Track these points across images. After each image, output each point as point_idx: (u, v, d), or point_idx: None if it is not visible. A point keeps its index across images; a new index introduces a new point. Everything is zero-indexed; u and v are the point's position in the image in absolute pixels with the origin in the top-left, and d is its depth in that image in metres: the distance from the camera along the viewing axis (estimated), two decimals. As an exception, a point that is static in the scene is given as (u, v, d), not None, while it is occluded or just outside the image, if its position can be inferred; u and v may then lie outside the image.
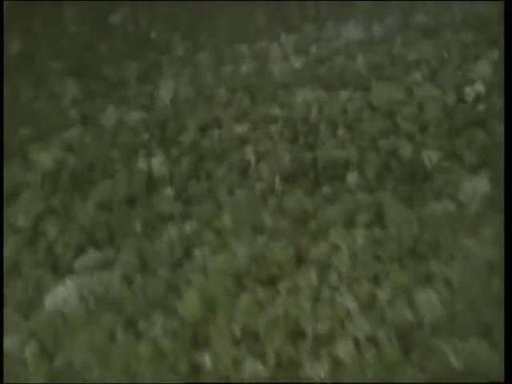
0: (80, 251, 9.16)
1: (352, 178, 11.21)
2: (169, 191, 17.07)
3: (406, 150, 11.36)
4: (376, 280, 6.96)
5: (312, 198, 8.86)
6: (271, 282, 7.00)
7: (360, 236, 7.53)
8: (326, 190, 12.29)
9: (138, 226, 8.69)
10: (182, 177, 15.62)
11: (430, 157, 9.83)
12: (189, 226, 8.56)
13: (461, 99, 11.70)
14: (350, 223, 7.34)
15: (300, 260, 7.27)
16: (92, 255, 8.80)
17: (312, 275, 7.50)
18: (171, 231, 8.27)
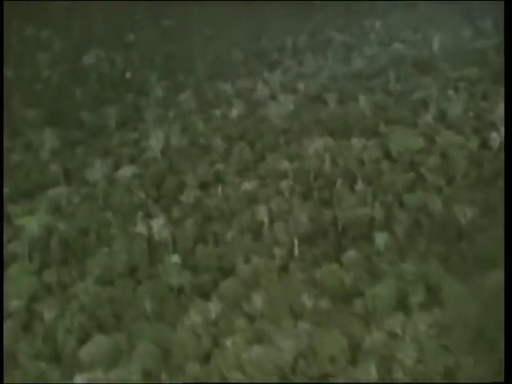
0: (84, 337, 8.47)
1: (380, 238, 10.31)
2: (174, 258, 17.27)
3: (436, 205, 10.67)
4: (448, 375, 6.12)
5: (349, 272, 8.18)
6: (324, 380, 6.18)
7: (421, 321, 6.76)
8: (351, 253, 11.42)
9: (147, 304, 7.92)
10: (188, 241, 15.55)
11: (464, 212, 9.24)
12: (213, 308, 7.87)
13: (484, 145, 11.11)
14: (403, 304, 6.61)
15: (355, 352, 6.47)
16: (100, 342, 8.08)
17: (372, 371, 6.67)
18: (193, 315, 7.57)
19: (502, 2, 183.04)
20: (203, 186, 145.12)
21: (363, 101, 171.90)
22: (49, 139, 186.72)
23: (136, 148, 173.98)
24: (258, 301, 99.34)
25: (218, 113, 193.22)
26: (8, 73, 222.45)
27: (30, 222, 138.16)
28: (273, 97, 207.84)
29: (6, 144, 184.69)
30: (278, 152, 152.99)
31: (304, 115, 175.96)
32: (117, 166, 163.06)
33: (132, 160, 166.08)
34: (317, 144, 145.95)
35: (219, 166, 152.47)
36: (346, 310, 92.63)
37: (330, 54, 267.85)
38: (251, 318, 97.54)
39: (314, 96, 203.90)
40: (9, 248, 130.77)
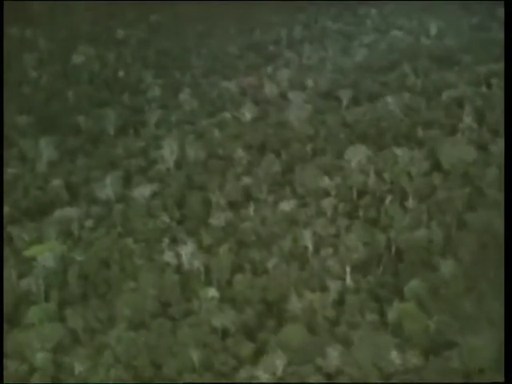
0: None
1: (446, 266, 48.34)
2: (211, 292, 71.53)
3: (502, 225, 33.58)
4: None
5: (427, 312, 36.77)
6: None
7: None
8: (415, 284, 57.63)
9: (193, 354, 28.56)
10: (223, 271, 67.15)
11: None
12: (279, 363, 24.33)
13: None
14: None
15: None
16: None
17: None
18: (249, 368, 28.35)
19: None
20: (232, 205, 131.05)
21: (391, 100, 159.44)
22: (45, 149, 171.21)
23: (145, 159, 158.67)
24: (332, 353, 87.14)
25: (227, 115, 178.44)
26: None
27: (41, 253, 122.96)
28: (282, 95, 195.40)
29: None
30: (309, 163, 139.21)
31: (327, 118, 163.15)
32: (127, 181, 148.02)
33: (142, 173, 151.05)
34: (356, 154, 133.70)
35: (247, 181, 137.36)
36: (439, 367, 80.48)
37: (328, 44, 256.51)
38: (328, 376, 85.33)
39: (326, 93, 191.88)
40: (21, 285, 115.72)
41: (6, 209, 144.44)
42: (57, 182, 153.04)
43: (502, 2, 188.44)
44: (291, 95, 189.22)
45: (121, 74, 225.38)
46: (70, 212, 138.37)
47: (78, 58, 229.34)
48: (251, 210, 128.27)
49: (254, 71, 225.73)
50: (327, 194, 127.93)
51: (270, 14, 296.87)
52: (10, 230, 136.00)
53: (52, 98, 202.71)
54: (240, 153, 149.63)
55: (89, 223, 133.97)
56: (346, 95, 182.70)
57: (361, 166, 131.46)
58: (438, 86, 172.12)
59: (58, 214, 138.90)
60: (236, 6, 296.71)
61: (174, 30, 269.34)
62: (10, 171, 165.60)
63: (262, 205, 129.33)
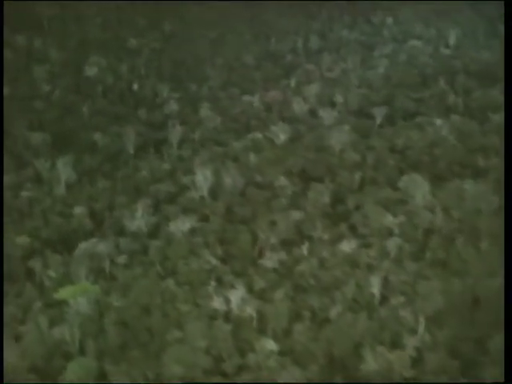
0: None
1: None
2: (269, 344, 61.82)
3: None
4: None
5: None
6: None
7: None
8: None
9: None
10: (280, 319, 56.41)
11: None
12: None
13: None
14: None
15: None
16: None
17: None
18: None
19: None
20: (284, 243, 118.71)
21: (441, 125, 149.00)
22: (62, 170, 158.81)
23: (173, 184, 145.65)
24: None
25: (258, 136, 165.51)
26: (4, 90, 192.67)
27: (73, 296, 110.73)
28: (312, 112, 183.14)
29: (13, 179, 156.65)
30: (359, 194, 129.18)
31: (372, 142, 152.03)
32: (157, 210, 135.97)
33: (173, 201, 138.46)
34: (413, 186, 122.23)
35: (296, 216, 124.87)
36: None
37: (347, 55, 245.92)
38: None
39: (358, 110, 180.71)
40: (54, 334, 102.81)
41: (24, 238, 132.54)
42: (79, 210, 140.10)
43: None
44: (322, 113, 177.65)
45: (135, 86, 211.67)
46: (98, 245, 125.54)
47: (90, 70, 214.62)
48: (305, 249, 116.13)
49: (275, 84, 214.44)
50: (390, 232, 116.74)
51: (282, 20, 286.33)
52: (32, 264, 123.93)
53: (66, 113, 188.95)
54: (282, 181, 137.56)
55: (121, 259, 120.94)
56: (379, 113, 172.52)
57: (425, 201, 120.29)
58: (484, 106, 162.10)
59: (84, 246, 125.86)
60: (247, 9, 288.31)
61: (187, 37, 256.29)
62: (25, 194, 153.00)
63: (318, 244, 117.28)
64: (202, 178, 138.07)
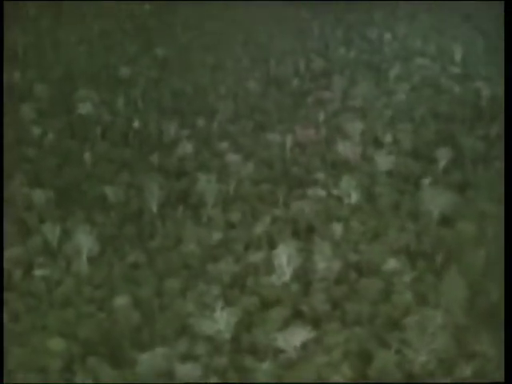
0: None
1: None
2: None
3: None
4: None
5: None
6: None
7: None
8: None
9: None
10: None
11: None
12: None
13: None
14: None
15: None
16: None
17: None
18: None
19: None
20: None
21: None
22: (77, 238, 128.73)
23: (235, 262, 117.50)
24: None
25: (321, 193, 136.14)
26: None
27: None
28: (364, 156, 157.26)
29: (21, 250, 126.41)
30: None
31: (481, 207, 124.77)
32: (228, 302, 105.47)
33: (245, 288, 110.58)
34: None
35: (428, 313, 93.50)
36: None
37: (357, 78, 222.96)
38: None
39: (414, 151, 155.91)
40: None
41: (60, 343, 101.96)
42: (120, 300, 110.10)
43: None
44: (377, 158, 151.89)
45: (136, 124, 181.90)
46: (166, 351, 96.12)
47: (82, 107, 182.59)
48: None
49: (291, 115, 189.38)
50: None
51: (273, 39, 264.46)
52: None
53: (64, 162, 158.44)
54: (392, 263, 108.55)
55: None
56: (443, 156, 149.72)
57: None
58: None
59: (147, 357, 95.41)
60: (239, 31, 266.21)
61: (183, 64, 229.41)
62: (38, 274, 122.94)
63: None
64: (285, 260, 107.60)
